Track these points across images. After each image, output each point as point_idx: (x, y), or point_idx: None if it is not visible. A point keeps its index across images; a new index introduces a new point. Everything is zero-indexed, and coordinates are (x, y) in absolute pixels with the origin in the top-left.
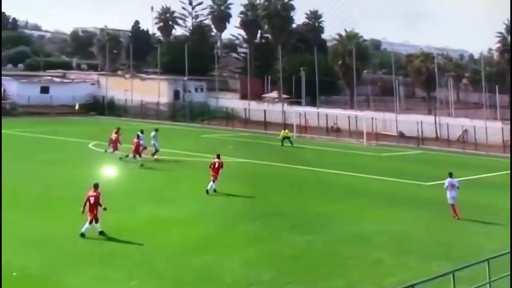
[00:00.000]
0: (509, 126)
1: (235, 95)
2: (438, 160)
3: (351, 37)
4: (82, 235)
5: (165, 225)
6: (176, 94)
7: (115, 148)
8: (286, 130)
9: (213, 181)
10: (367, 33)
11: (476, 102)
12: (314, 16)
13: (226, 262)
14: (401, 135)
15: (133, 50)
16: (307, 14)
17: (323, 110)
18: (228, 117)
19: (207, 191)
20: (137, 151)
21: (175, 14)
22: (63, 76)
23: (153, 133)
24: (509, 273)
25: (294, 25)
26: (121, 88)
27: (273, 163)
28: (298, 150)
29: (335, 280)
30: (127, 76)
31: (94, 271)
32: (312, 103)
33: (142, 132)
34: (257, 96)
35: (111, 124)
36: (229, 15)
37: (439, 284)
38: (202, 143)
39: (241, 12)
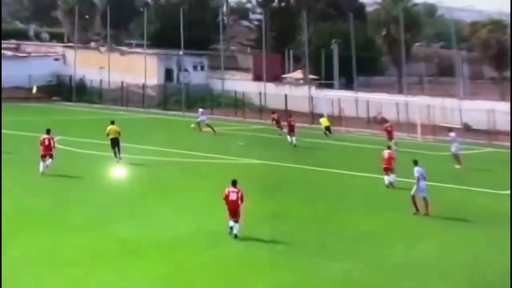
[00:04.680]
0: None
1: (246, 75)
2: None
3: (397, 0)
4: (236, 236)
5: (144, 248)
6: (168, 73)
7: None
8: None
9: (388, 174)
10: None
11: None
12: None
13: None
14: (467, 128)
15: (111, 16)
16: None
17: (362, 95)
18: (238, 104)
19: (387, 186)
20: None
21: None
22: (17, 49)
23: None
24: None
25: None
26: (95, 65)
27: (296, 165)
28: (330, 148)
29: None
30: (103, 49)
31: None
32: (348, 86)
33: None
34: (276, 77)
35: (80, 112)
36: None
37: None
38: (203, 139)
39: None
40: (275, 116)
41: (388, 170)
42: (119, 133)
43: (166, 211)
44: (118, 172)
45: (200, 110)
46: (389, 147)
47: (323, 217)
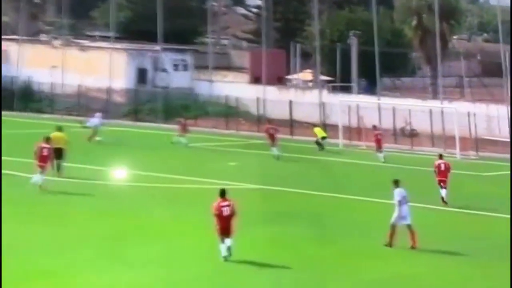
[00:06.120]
0: None
1: (241, 76)
2: None
3: None
4: (225, 258)
5: None
6: (141, 74)
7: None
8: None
9: (444, 188)
10: None
11: None
12: None
13: None
14: None
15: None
16: None
17: (387, 102)
18: (230, 113)
19: (442, 199)
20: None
21: None
22: None
23: None
24: None
25: None
26: (46, 63)
27: (304, 191)
28: (347, 168)
29: None
30: (57, 43)
31: None
32: (370, 89)
33: None
34: (278, 79)
35: (24, 125)
36: None
37: None
38: (184, 158)
39: None
40: (181, 119)
41: (443, 182)
42: (66, 142)
43: (148, 253)
44: (77, 202)
45: (97, 115)
46: (440, 156)
47: (338, 260)
